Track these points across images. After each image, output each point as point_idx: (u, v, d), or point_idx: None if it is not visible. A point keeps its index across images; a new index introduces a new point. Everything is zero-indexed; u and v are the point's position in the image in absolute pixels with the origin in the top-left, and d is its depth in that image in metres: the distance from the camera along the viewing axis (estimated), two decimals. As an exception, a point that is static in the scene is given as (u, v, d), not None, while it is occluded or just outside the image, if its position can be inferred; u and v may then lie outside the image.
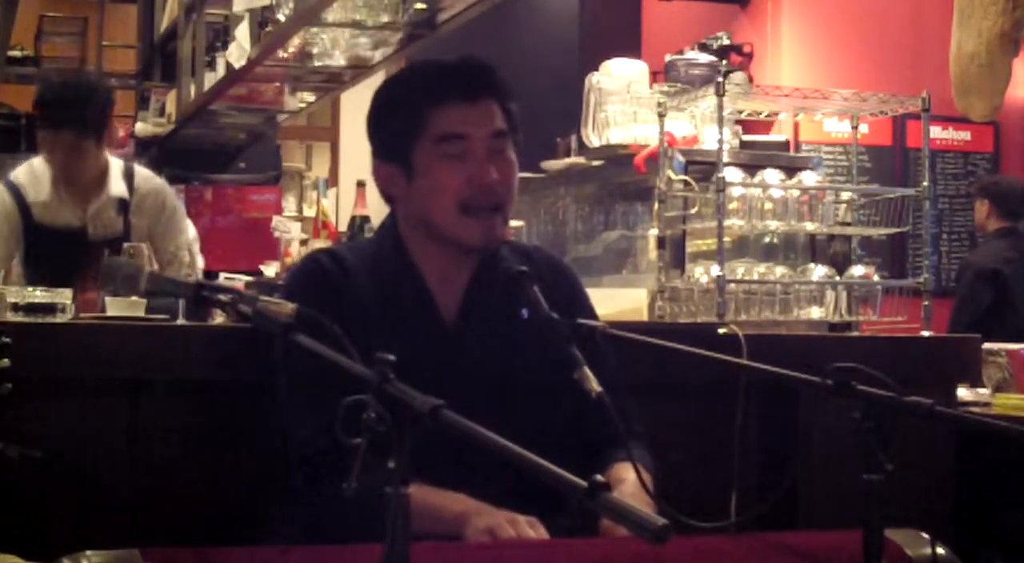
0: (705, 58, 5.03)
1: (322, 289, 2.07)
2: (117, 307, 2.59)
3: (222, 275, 4.69)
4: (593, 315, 2.23)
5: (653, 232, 3.79)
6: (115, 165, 3.90)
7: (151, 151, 6.02)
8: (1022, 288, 5.55)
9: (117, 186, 3.85)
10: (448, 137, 2.05)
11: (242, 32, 4.39)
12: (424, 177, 2.07)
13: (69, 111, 3.69)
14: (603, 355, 2.09)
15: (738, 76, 5.36)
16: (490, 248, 2.10)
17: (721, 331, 2.81)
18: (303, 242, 5.15)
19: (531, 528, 1.86)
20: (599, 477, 1.17)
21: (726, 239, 3.33)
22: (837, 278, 3.52)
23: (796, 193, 3.53)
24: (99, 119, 3.74)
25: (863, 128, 3.77)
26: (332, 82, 4.93)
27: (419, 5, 3.83)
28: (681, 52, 5.37)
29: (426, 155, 2.06)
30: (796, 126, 5.84)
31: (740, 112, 3.92)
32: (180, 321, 2.53)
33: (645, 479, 1.97)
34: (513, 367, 2.10)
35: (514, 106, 2.14)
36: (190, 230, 4.10)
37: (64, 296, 2.52)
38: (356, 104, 8.73)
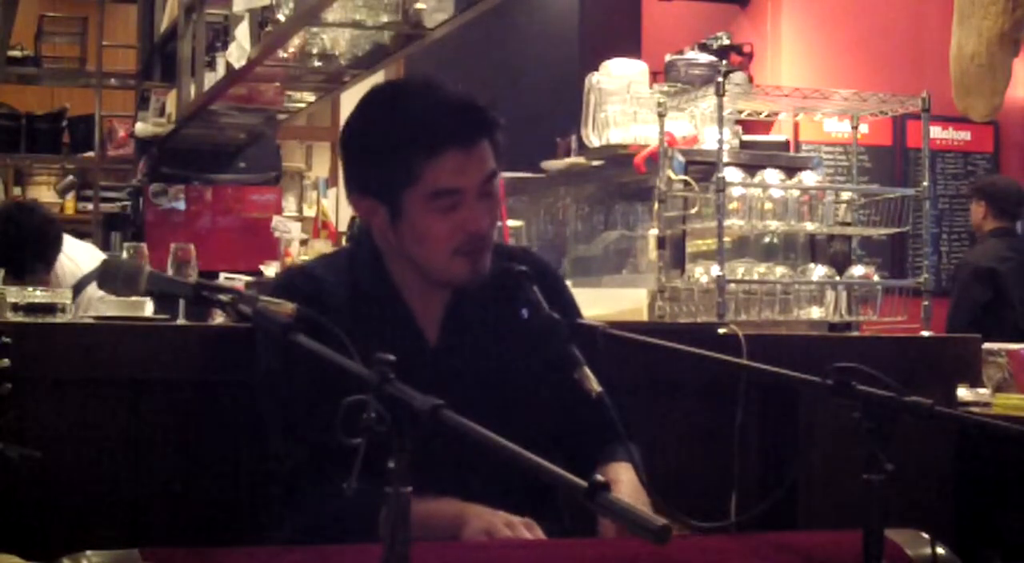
0: (705, 58, 5.02)
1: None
2: (117, 307, 2.59)
3: (222, 275, 4.69)
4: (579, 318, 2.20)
5: (653, 232, 3.79)
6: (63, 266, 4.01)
7: (151, 151, 6.01)
8: (1018, 287, 5.56)
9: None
10: (442, 193, 1.96)
11: (242, 32, 4.39)
12: (413, 224, 1.99)
13: (14, 252, 3.82)
14: (600, 356, 2.09)
15: (738, 76, 5.36)
16: (477, 283, 2.04)
17: (721, 331, 2.81)
18: (303, 242, 5.15)
19: (527, 530, 1.85)
20: (599, 477, 1.17)
21: (726, 239, 3.33)
22: (837, 278, 3.52)
23: (796, 193, 3.53)
24: (45, 255, 3.90)
25: (863, 128, 3.77)
26: (332, 82, 4.93)
27: (419, 5, 3.83)
28: (681, 52, 5.36)
29: (416, 205, 1.97)
30: (796, 126, 5.84)
31: (740, 112, 3.92)
32: (180, 321, 2.53)
33: (642, 478, 1.96)
34: (501, 377, 2.07)
35: (501, 136, 2.04)
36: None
37: (64, 296, 2.52)
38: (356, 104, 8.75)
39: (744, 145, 4.23)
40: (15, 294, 2.49)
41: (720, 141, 3.33)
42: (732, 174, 3.44)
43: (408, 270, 2.07)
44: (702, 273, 3.48)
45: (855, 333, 3.52)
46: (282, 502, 2.03)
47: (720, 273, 3.23)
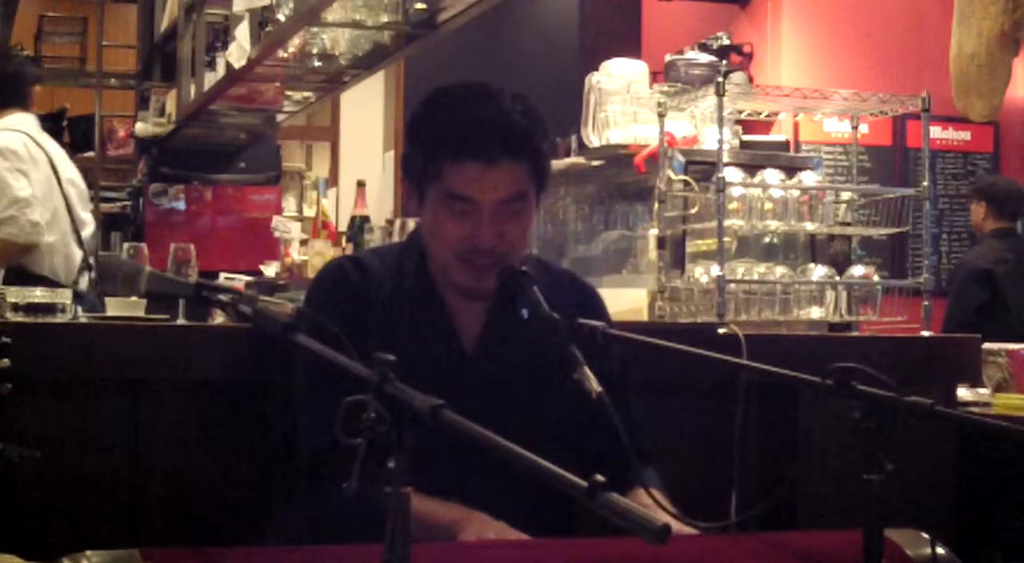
0: (705, 58, 5.02)
1: (343, 298, 2.06)
2: (117, 307, 2.59)
3: (222, 275, 4.70)
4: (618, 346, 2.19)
5: (653, 232, 3.79)
6: None
7: (151, 151, 6.02)
8: (1015, 289, 5.55)
9: None
10: (456, 197, 2.00)
11: (242, 32, 4.40)
12: (431, 216, 2.05)
13: None
14: (611, 360, 2.09)
15: (738, 76, 5.36)
16: (478, 295, 2.06)
17: (721, 331, 2.81)
18: (303, 242, 5.16)
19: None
20: (599, 477, 1.17)
21: (726, 239, 3.33)
22: (837, 278, 3.52)
23: (796, 193, 3.53)
24: None
25: (863, 128, 3.77)
26: (332, 82, 4.93)
27: (419, 5, 3.83)
28: (681, 52, 5.36)
29: (436, 200, 2.03)
30: (796, 126, 5.84)
31: (740, 112, 3.92)
32: (180, 321, 2.53)
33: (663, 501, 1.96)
34: (534, 393, 2.08)
35: (544, 161, 2.06)
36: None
37: (64, 296, 2.52)
38: (356, 104, 8.75)
39: (744, 145, 4.23)
40: (15, 294, 2.49)
41: (720, 141, 3.33)
42: (732, 174, 3.44)
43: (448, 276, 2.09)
44: (702, 273, 3.48)
45: (855, 333, 3.51)
46: (301, 487, 2.03)
47: (720, 273, 3.23)
